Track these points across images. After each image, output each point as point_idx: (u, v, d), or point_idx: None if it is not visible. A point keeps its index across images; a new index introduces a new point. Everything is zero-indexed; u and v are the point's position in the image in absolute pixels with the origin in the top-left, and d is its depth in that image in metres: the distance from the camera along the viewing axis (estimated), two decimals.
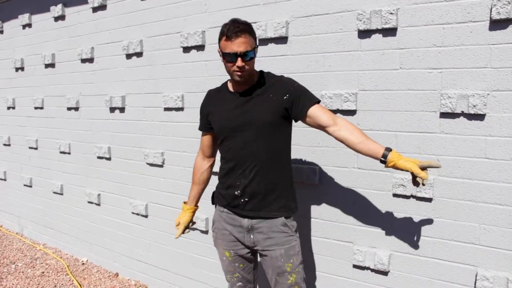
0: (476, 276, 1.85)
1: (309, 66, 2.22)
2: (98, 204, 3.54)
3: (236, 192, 1.81)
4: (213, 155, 2.06)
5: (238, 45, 1.65)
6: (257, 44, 1.80)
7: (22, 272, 3.53)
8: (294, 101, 1.75)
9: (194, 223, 2.16)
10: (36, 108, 4.02)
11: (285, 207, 1.82)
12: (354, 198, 2.15)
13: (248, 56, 1.67)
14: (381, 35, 2.00)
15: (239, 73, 1.70)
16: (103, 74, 3.32)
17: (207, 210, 2.73)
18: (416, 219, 1.99)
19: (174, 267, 3.03)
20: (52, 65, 3.78)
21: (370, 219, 2.12)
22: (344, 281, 2.23)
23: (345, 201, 2.18)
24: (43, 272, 3.52)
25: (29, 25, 3.96)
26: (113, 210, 3.42)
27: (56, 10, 3.60)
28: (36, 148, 4.11)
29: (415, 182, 1.62)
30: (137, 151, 3.14)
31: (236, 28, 1.65)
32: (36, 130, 4.08)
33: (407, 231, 2.02)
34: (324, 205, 2.25)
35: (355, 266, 2.19)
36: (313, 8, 2.18)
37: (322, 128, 1.76)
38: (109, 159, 3.38)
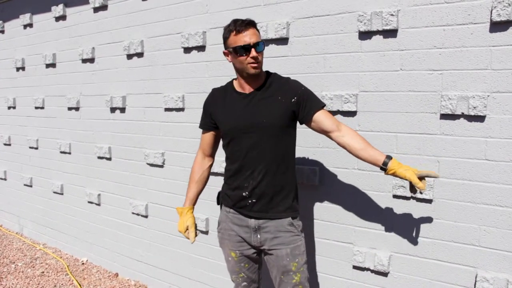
0: (476, 278, 1.85)
1: (309, 67, 2.23)
2: (98, 204, 3.54)
3: (244, 194, 1.81)
4: (213, 155, 2.04)
5: (249, 36, 1.68)
6: None
7: (22, 271, 3.53)
8: (301, 104, 1.77)
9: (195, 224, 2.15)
10: (36, 108, 4.03)
11: (292, 207, 1.84)
12: (354, 199, 2.15)
13: (260, 47, 1.71)
14: (381, 37, 2.00)
15: (254, 65, 1.70)
16: (104, 74, 3.33)
17: (207, 210, 2.73)
18: (416, 220, 1.99)
19: (174, 267, 3.04)
20: (53, 65, 3.78)
21: (370, 220, 2.12)
22: (344, 282, 2.24)
23: (345, 202, 2.18)
24: (43, 272, 3.52)
25: (30, 25, 3.96)
26: (113, 210, 3.42)
27: (57, 10, 3.60)
28: (36, 148, 4.12)
29: (413, 190, 1.68)
30: (138, 151, 3.14)
31: (244, 21, 1.70)
32: (37, 130, 4.08)
33: (407, 232, 2.02)
34: (324, 206, 2.26)
35: (355, 267, 2.19)
36: (314, 9, 2.18)
37: (325, 133, 1.78)
38: (109, 159, 3.38)
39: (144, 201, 3.16)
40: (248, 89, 1.80)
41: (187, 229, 1.96)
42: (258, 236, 1.83)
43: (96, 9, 3.30)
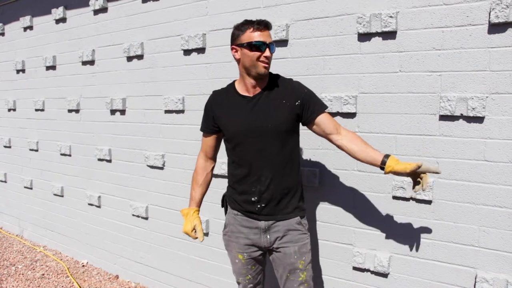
0: (475, 278, 1.86)
1: (309, 69, 2.24)
2: (99, 206, 3.54)
3: (252, 199, 1.82)
4: (214, 157, 2.02)
5: (266, 36, 1.72)
6: None
7: (22, 274, 3.53)
8: (305, 107, 1.78)
9: None
10: (37, 110, 4.03)
11: (299, 207, 1.86)
12: (354, 200, 2.16)
13: (273, 48, 1.74)
14: (380, 38, 2.01)
15: (265, 64, 1.72)
16: (104, 76, 3.33)
17: (207, 212, 2.74)
18: (416, 221, 2.00)
19: (175, 269, 3.04)
20: (53, 67, 3.79)
21: (370, 221, 2.12)
22: (344, 283, 2.24)
23: (345, 203, 2.19)
24: (43, 274, 3.52)
25: (31, 28, 3.97)
26: (113, 212, 3.43)
27: (58, 12, 3.61)
28: (36, 150, 4.12)
29: (416, 183, 1.65)
30: (138, 153, 3.15)
31: (264, 21, 1.73)
32: (37, 132, 4.09)
33: (407, 233, 2.03)
34: (324, 207, 2.26)
35: (355, 268, 2.20)
36: (313, 11, 2.19)
37: (325, 135, 1.80)
38: (109, 161, 3.38)
39: (144, 203, 3.16)
40: (252, 91, 1.79)
41: (194, 229, 1.92)
42: (268, 236, 1.83)
43: (96, 12, 3.31)
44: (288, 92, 1.79)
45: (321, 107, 1.80)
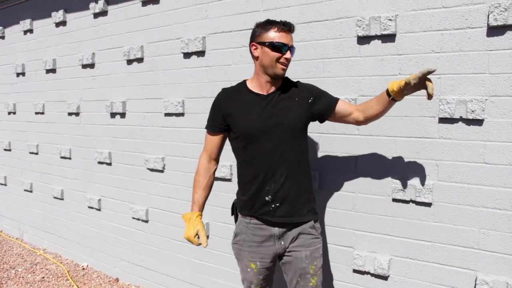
0: (475, 281, 1.86)
1: (309, 72, 2.24)
2: (99, 209, 3.54)
3: (267, 198, 1.77)
4: (218, 159, 1.96)
5: (289, 39, 1.74)
6: None
7: (22, 277, 3.53)
8: (319, 103, 1.81)
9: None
10: (37, 113, 4.04)
11: (313, 210, 1.84)
12: (354, 203, 2.16)
13: (293, 52, 1.77)
14: (380, 41, 2.02)
15: (284, 66, 1.74)
16: (104, 79, 3.34)
17: (207, 215, 2.74)
18: (416, 223, 2.00)
19: (175, 272, 3.03)
20: (53, 71, 3.80)
21: (370, 224, 2.12)
22: (344, 285, 2.24)
23: (345, 206, 2.19)
24: (43, 278, 3.51)
25: (31, 31, 3.98)
26: (113, 215, 3.43)
27: (58, 16, 3.62)
28: (36, 153, 4.12)
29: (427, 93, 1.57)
30: (138, 156, 3.15)
31: (289, 23, 1.75)
32: (37, 135, 4.09)
33: (407, 235, 2.03)
34: (324, 210, 2.26)
35: (355, 271, 2.20)
36: (313, 14, 2.20)
37: (347, 116, 1.83)
38: (109, 164, 3.38)
39: (144, 206, 3.16)
40: (266, 90, 1.79)
41: (197, 235, 1.83)
42: (282, 242, 1.81)
43: (96, 15, 3.32)
44: (300, 91, 1.82)
45: (333, 97, 1.86)
